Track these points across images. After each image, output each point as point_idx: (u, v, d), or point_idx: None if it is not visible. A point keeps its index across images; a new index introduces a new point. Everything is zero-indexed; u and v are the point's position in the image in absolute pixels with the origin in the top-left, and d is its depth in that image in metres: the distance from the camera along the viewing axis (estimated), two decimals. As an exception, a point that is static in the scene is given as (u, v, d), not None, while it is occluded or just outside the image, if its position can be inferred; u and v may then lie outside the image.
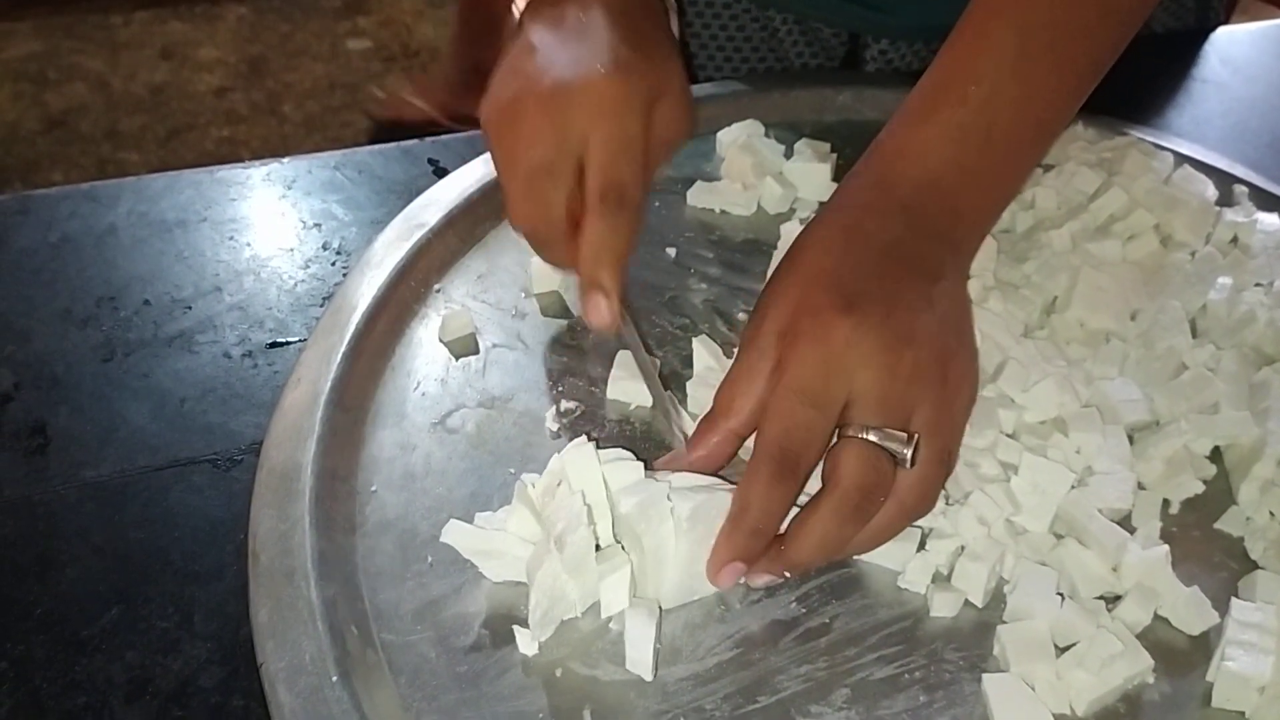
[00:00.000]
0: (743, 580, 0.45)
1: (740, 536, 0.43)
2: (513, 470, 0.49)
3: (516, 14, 0.55)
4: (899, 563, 0.46)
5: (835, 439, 0.45)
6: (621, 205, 0.49)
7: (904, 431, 0.44)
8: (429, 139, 0.68)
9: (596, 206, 0.49)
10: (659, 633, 0.43)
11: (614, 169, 0.49)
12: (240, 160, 0.63)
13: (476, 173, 0.63)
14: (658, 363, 0.54)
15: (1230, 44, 0.81)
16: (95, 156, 2.29)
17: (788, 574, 0.45)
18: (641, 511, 0.43)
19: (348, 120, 2.41)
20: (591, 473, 0.44)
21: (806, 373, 0.44)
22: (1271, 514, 0.49)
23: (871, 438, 0.43)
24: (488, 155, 0.63)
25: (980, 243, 0.52)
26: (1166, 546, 0.46)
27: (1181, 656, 0.45)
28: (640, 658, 0.42)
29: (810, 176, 0.64)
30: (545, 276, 0.58)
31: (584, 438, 0.45)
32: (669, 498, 0.43)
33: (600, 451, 0.45)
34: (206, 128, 2.41)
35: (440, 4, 2.73)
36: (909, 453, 0.44)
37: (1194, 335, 0.55)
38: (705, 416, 0.47)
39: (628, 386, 0.53)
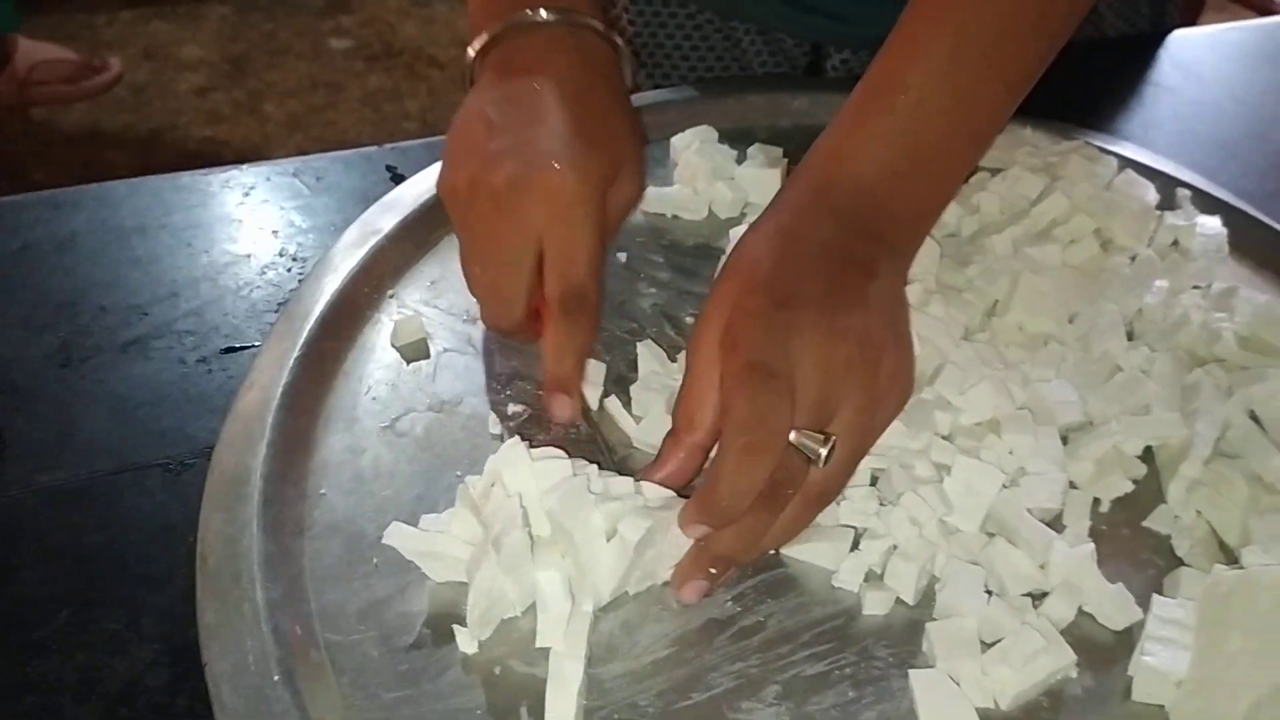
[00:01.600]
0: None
1: (707, 515, 0.45)
2: (459, 473, 0.51)
3: (470, 57, 0.56)
4: (833, 562, 0.48)
5: None
6: (582, 309, 0.51)
7: (823, 433, 0.45)
8: (389, 146, 0.69)
9: (558, 314, 0.51)
10: (584, 688, 0.43)
11: (572, 273, 0.51)
12: (222, 160, 0.64)
13: (432, 179, 0.63)
14: (603, 367, 0.55)
15: (1183, 48, 0.83)
16: (77, 156, 2.30)
17: (714, 570, 0.46)
18: (564, 508, 0.44)
19: (330, 119, 2.41)
20: (525, 473, 0.45)
21: (752, 401, 0.44)
22: (1198, 513, 0.50)
23: (789, 438, 0.45)
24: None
25: (919, 244, 0.53)
26: (1092, 545, 0.48)
27: (1106, 652, 0.46)
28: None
29: (761, 181, 0.65)
30: None
31: (517, 439, 0.46)
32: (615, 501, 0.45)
33: (532, 451, 0.46)
34: (188, 127, 2.41)
35: (424, 3, 2.73)
36: (824, 452, 0.45)
37: (1131, 338, 0.57)
38: (668, 434, 0.48)
39: (574, 390, 0.54)
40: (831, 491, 0.47)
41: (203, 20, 2.74)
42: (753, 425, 0.44)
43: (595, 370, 0.54)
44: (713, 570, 0.46)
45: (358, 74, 2.57)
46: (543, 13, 0.54)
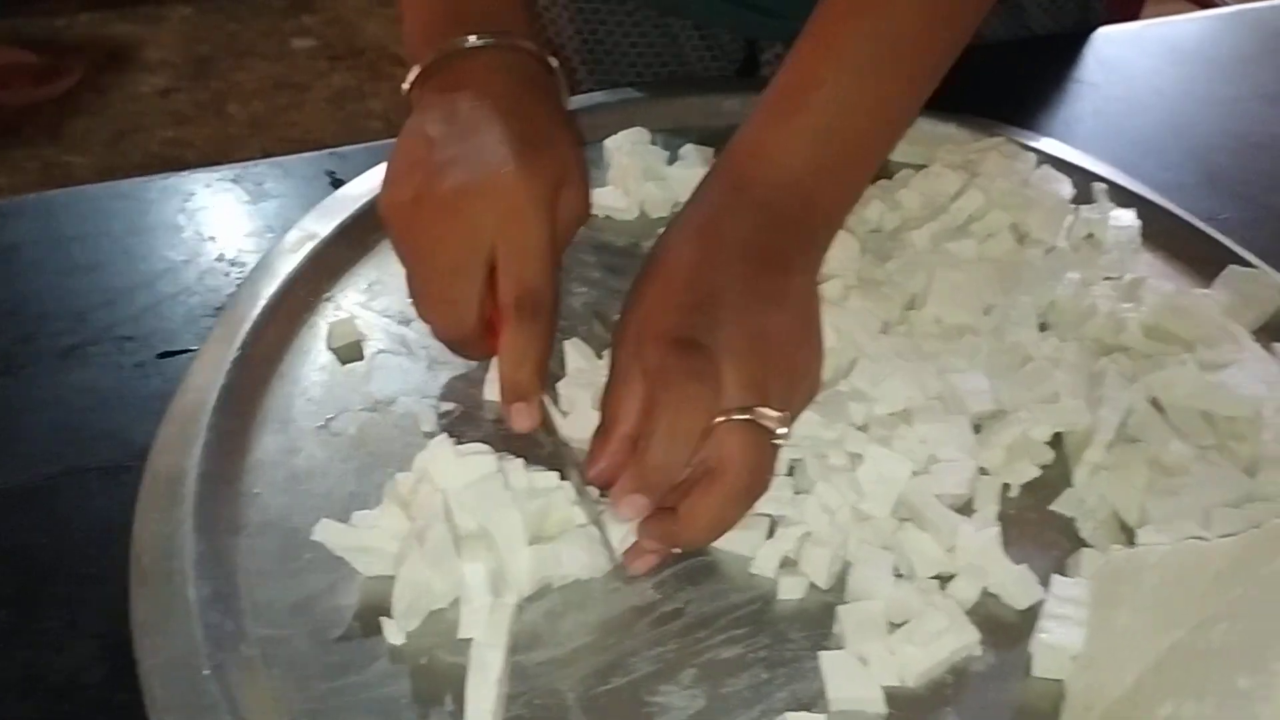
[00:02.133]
0: (622, 562, 0.48)
1: (640, 494, 0.46)
2: (392, 470, 0.52)
3: (405, 90, 0.56)
4: (750, 549, 0.49)
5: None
6: (538, 313, 0.50)
7: (775, 411, 0.47)
8: (327, 151, 0.70)
9: (513, 318, 0.49)
10: (505, 676, 0.44)
11: (527, 277, 0.50)
12: (186, 161, 0.66)
13: (370, 183, 0.65)
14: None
15: (1106, 45, 0.85)
16: (40, 160, 2.29)
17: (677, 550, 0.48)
18: (481, 504, 0.45)
19: (294, 120, 2.41)
20: (450, 469, 0.47)
21: (676, 363, 0.46)
22: (1101, 496, 0.52)
23: (749, 418, 0.46)
24: (381, 167, 0.66)
25: (833, 236, 0.55)
26: (997, 527, 0.50)
27: (1010, 630, 0.48)
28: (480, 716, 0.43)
29: (692, 181, 0.65)
30: None
31: (444, 435, 0.48)
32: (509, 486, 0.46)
33: (459, 447, 0.47)
34: (152, 129, 2.41)
35: (387, 1, 2.74)
36: (786, 430, 0.47)
37: (1044, 329, 0.59)
38: (597, 430, 0.49)
39: (505, 388, 0.55)
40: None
41: (164, 21, 2.73)
42: (681, 385, 0.46)
43: (566, 454, 0.55)
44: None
45: (321, 74, 2.57)
46: (475, 39, 0.54)
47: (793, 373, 0.49)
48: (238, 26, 2.73)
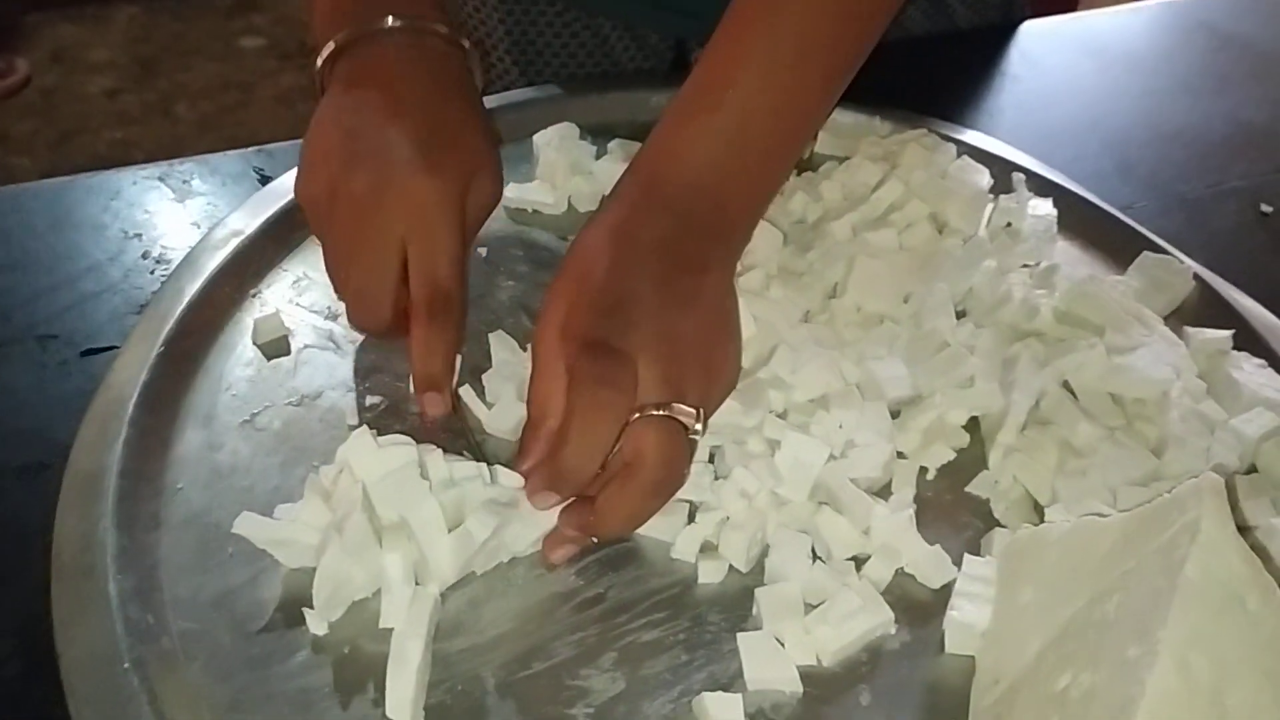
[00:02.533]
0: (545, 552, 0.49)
1: (550, 486, 0.48)
2: (316, 464, 0.52)
3: (316, 67, 0.57)
4: (670, 535, 0.50)
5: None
6: (446, 309, 0.53)
7: (691, 408, 0.48)
8: (255, 149, 0.70)
9: (423, 316, 0.52)
10: (426, 664, 0.45)
11: (436, 275, 0.53)
12: (133, 163, 0.65)
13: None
14: (458, 357, 0.57)
15: (1029, 39, 0.87)
16: (-17, 162, 2.26)
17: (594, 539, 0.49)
18: (397, 495, 0.46)
19: (242, 119, 2.39)
20: (370, 460, 0.47)
21: (589, 367, 0.47)
22: (1014, 477, 0.53)
23: (665, 414, 0.47)
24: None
25: (749, 233, 0.56)
26: (911, 509, 0.51)
27: (924, 609, 0.49)
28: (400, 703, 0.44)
29: (617, 175, 0.67)
30: None
31: (364, 428, 0.48)
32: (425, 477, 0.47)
33: (379, 439, 0.48)
34: (99, 130, 2.38)
35: (336, 0, 2.72)
36: (700, 426, 0.47)
37: (962, 316, 0.60)
38: (525, 425, 0.50)
39: (430, 381, 0.56)
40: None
41: (110, 22, 2.70)
42: (594, 390, 0.46)
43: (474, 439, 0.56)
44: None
45: (270, 73, 2.56)
46: (388, 19, 0.56)
47: (709, 370, 0.50)
48: (183, 26, 2.70)
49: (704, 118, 0.53)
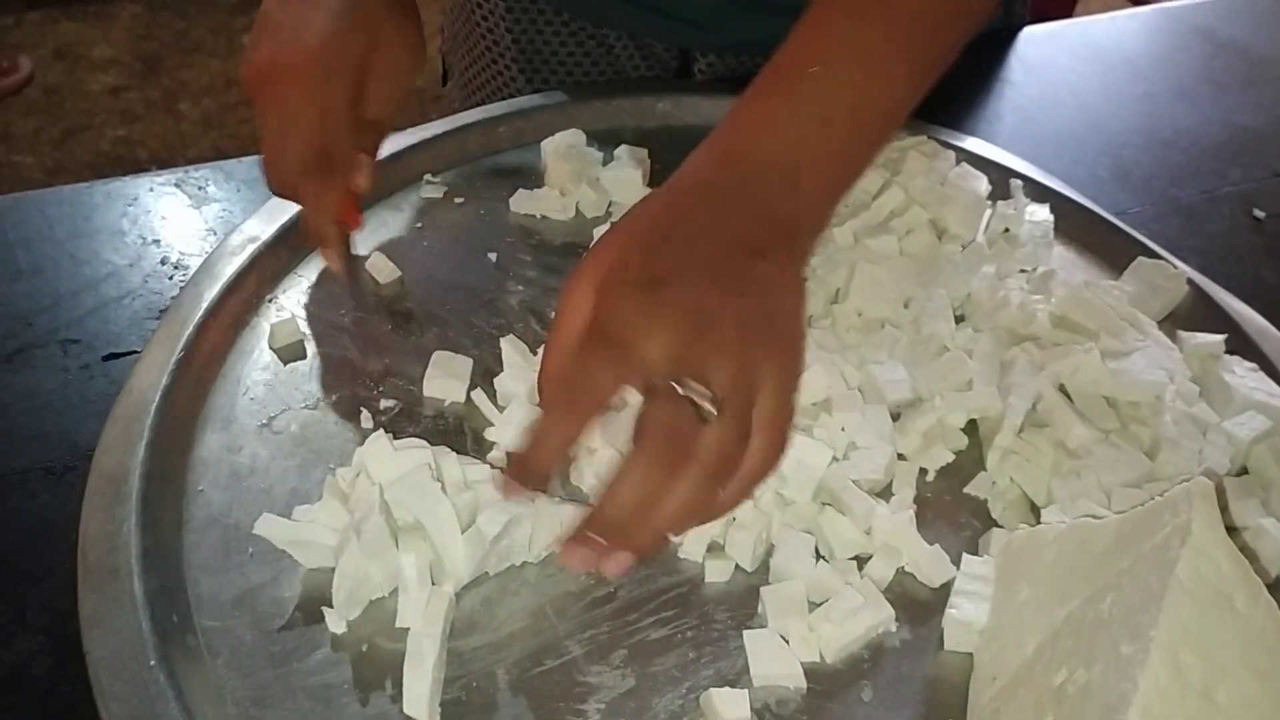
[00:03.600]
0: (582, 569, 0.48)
1: (518, 466, 0.45)
2: (333, 466, 0.54)
3: None
4: (678, 535, 0.52)
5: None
6: (324, 169, 0.59)
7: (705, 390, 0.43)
8: (268, 154, 0.71)
9: (302, 175, 0.59)
10: (441, 661, 0.46)
11: (315, 137, 0.58)
12: (137, 159, 0.67)
13: (310, 186, 0.66)
14: (469, 362, 0.58)
15: (1027, 44, 0.88)
16: (-14, 160, 2.27)
17: (605, 541, 0.44)
18: (411, 498, 0.47)
19: (245, 117, 2.40)
20: (387, 463, 0.49)
21: (602, 330, 0.44)
22: (1011, 479, 0.55)
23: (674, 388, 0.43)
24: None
25: (819, 226, 0.52)
26: (912, 510, 0.52)
27: (924, 607, 0.51)
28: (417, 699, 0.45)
29: (624, 182, 0.69)
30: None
31: (380, 431, 0.50)
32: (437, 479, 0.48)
33: (395, 442, 0.49)
34: (102, 128, 2.39)
35: (337, -3, 2.72)
36: (710, 406, 0.43)
37: (961, 320, 0.62)
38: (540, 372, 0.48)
39: (443, 384, 0.57)
40: (772, 458, 0.45)
41: (113, 20, 2.71)
42: (569, 385, 0.45)
43: (462, 365, 0.58)
44: (604, 543, 0.44)
45: (273, 70, 2.56)
46: None
47: (741, 363, 0.44)
48: (186, 24, 2.71)
49: (785, 96, 0.51)
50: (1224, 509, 0.52)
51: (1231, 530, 0.52)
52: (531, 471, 0.45)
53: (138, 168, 2.27)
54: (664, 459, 0.43)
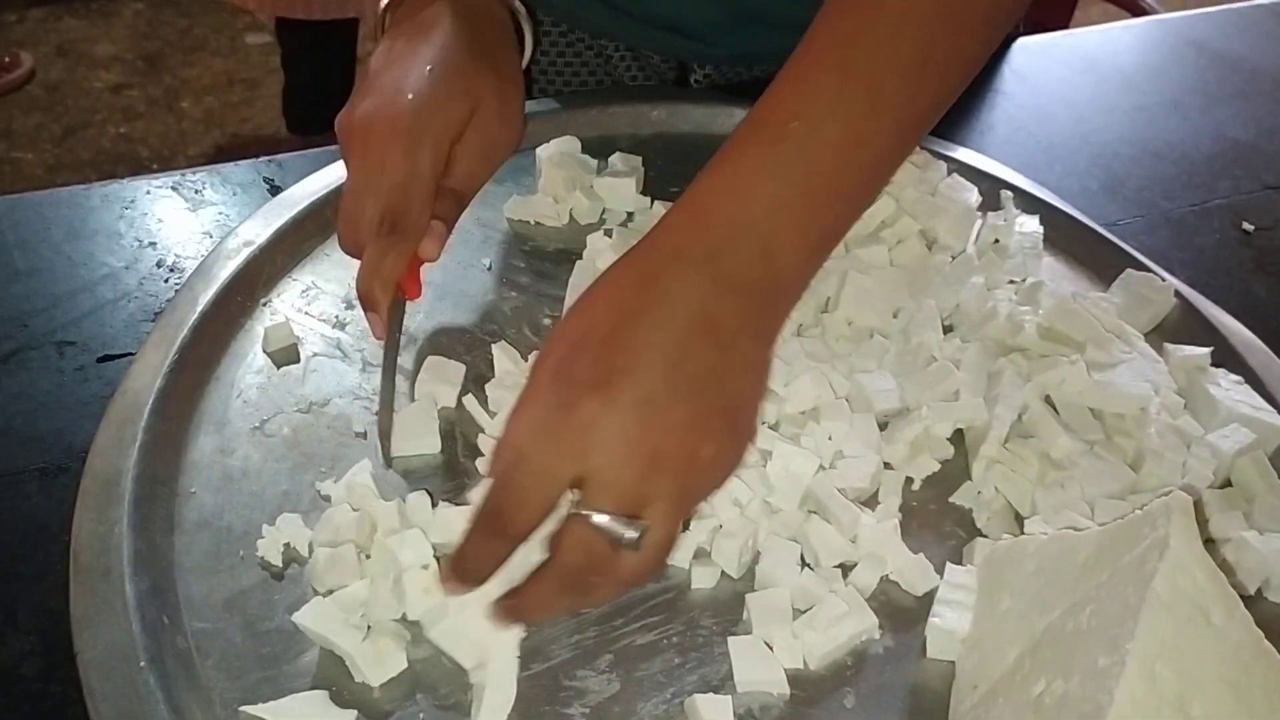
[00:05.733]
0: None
1: (455, 579, 0.45)
2: (324, 469, 0.54)
3: (380, 9, 0.63)
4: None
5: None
6: (395, 232, 0.56)
7: (634, 517, 0.42)
8: (265, 159, 0.72)
9: (372, 234, 0.56)
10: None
11: (393, 199, 0.56)
12: (138, 157, 0.67)
13: (305, 190, 0.67)
14: (462, 368, 0.59)
15: (1020, 55, 0.89)
16: (-13, 156, 2.28)
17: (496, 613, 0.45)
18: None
19: (246, 116, 2.41)
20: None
21: (538, 443, 0.43)
22: (996, 489, 0.56)
23: (597, 520, 0.42)
24: (318, 174, 0.68)
25: (794, 298, 0.48)
26: (897, 519, 0.53)
27: (907, 615, 0.51)
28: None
29: (617, 189, 0.69)
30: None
31: (423, 492, 0.52)
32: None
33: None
34: (103, 125, 2.40)
35: (340, -3, 2.73)
36: (635, 536, 0.42)
37: (949, 330, 0.62)
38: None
39: (434, 388, 0.58)
40: (645, 573, 0.44)
41: (115, 17, 2.72)
42: (497, 508, 0.43)
43: (454, 370, 0.58)
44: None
45: (274, 69, 2.56)
46: None
47: (688, 471, 0.44)
48: (189, 22, 2.72)
49: (763, 150, 0.47)
50: (1206, 522, 0.53)
51: (1214, 543, 0.53)
52: (469, 577, 0.45)
53: (138, 165, 2.28)
54: (576, 586, 0.44)
